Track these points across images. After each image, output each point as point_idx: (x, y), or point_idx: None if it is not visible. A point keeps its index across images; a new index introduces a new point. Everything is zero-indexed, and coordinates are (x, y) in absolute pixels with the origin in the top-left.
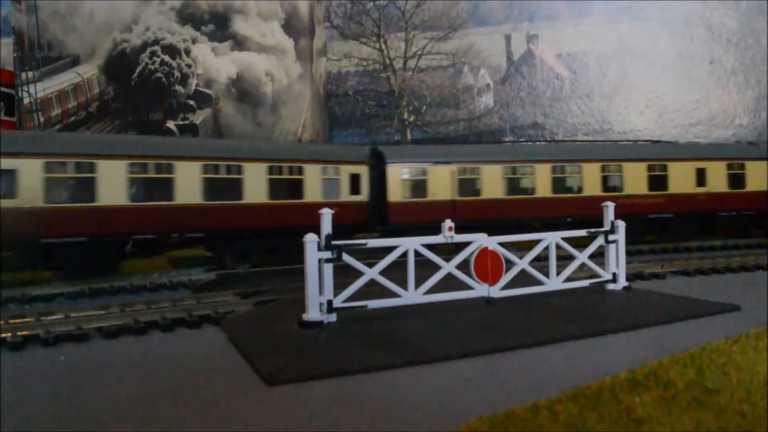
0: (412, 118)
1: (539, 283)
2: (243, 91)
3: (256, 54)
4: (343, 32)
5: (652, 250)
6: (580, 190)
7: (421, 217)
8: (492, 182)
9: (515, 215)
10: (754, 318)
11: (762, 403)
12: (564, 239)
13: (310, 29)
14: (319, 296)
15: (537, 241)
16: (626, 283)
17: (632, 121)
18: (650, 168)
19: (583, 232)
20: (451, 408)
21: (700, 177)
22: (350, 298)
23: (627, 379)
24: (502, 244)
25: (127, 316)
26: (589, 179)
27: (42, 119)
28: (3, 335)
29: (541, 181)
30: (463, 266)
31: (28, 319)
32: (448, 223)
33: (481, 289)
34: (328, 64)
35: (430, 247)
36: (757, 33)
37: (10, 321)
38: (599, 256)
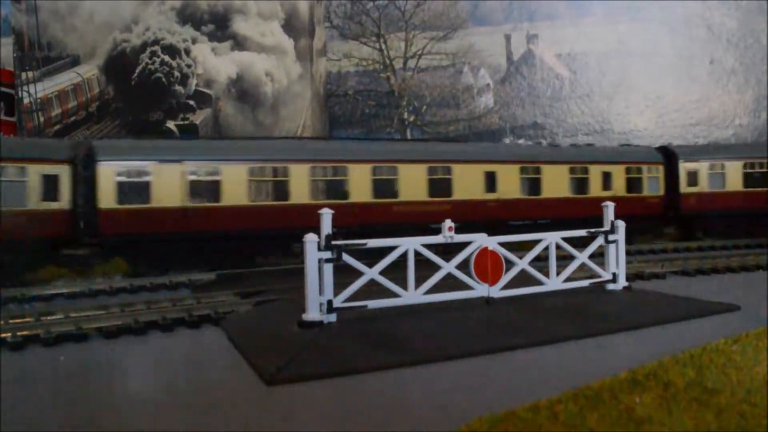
0: (412, 118)
1: (539, 283)
2: (243, 91)
3: (256, 54)
4: (343, 32)
5: (652, 250)
6: (346, 195)
7: (142, 227)
8: (236, 186)
9: (268, 224)
10: (754, 318)
11: (762, 403)
12: (564, 239)
13: (310, 29)
14: (319, 296)
15: (537, 241)
16: (626, 283)
17: (632, 121)
18: (431, 171)
19: (583, 232)
20: (451, 408)
21: (490, 181)
22: (350, 298)
23: (627, 379)
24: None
25: (127, 316)
26: (359, 183)
27: (42, 119)
28: (3, 335)
29: (297, 183)
30: (463, 266)
31: (28, 319)
32: (448, 223)
33: (481, 289)
34: (328, 64)
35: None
36: (757, 33)
37: (10, 321)
38: (599, 256)
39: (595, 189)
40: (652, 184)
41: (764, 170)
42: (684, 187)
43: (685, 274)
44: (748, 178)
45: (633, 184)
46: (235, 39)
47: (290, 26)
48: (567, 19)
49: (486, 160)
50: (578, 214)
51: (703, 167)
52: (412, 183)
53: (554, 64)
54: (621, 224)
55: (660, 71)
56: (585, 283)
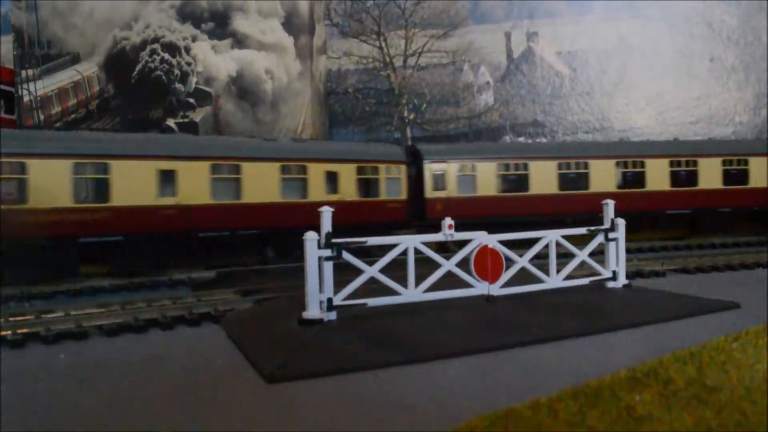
0: (412, 116)
1: (539, 280)
2: (243, 88)
3: (256, 52)
4: (343, 30)
5: (652, 248)
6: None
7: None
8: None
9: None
10: (754, 315)
11: (762, 401)
12: (564, 237)
13: (310, 27)
14: (319, 294)
15: (537, 239)
16: (626, 281)
17: (632, 118)
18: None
19: (583, 230)
20: (451, 405)
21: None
22: (350, 296)
23: (627, 377)
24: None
25: (127, 313)
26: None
27: (42, 117)
28: (3, 333)
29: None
30: (463, 264)
31: (28, 317)
32: (448, 221)
33: (481, 287)
34: (328, 61)
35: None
36: (757, 30)
37: (11, 319)
38: (599, 254)
39: (315, 193)
40: (392, 186)
41: (521, 172)
42: (429, 191)
43: (685, 272)
44: (504, 181)
45: (367, 186)
46: (235, 37)
47: (290, 24)
48: (567, 16)
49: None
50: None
51: (451, 169)
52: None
53: (554, 62)
54: (621, 222)
55: (660, 69)
56: (585, 280)
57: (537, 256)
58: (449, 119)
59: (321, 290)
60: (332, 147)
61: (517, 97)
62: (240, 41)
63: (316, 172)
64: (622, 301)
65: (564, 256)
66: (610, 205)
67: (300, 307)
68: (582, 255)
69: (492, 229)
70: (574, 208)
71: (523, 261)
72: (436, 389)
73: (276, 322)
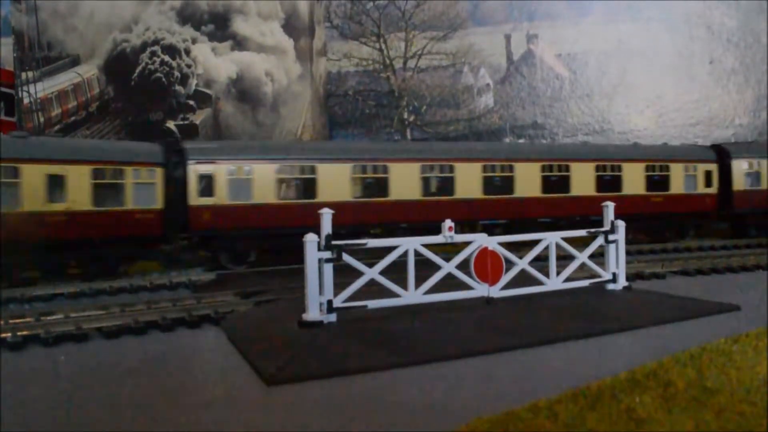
0: (412, 118)
1: (539, 283)
2: (243, 91)
3: (256, 54)
4: (343, 32)
5: (652, 250)
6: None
7: None
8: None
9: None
10: (753, 318)
11: (762, 403)
12: (564, 239)
13: (310, 29)
14: (319, 296)
15: (537, 241)
16: (626, 283)
17: (632, 120)
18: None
19: (583, 232)
20: (451, 408)
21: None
22: (350, 298)
23: (627, 379)
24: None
25: (127, 316)
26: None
27: (42, 119)
28: (3, 335)
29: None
30: (463, 266)
31: (28, 319)
32: (448, 223)
33: (481, 289)
34: (328, 64)
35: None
36: (757, 32)
37: (11, 321)
38: (599, 256)
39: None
40: (143, 193)
41: (307, 176)
42: (194, 198)
43: (685, 274)
44: (288, 187)
45: (108, 192)
46: (235, 39)
47: (290, 26)
48: (567, 18)
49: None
50: None
51: (221, 171)
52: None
53: (554, 64)
54: (621, 224)
55: (660, 71)
56: (585, 283)
57: (537, 258)
58: (449, 121)
59: (321, 292)
60: (59, 144)
61: (517, 99)
62: (240, 43)
63: (32, 174)
64: (622, 304)
65: (564, 259)
66: (609, 207)
67: (300, 310)
68: (582, 257)
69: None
70: (375, 219)
71: (523, 263)
72: (435, 391)
73: (276, 324)
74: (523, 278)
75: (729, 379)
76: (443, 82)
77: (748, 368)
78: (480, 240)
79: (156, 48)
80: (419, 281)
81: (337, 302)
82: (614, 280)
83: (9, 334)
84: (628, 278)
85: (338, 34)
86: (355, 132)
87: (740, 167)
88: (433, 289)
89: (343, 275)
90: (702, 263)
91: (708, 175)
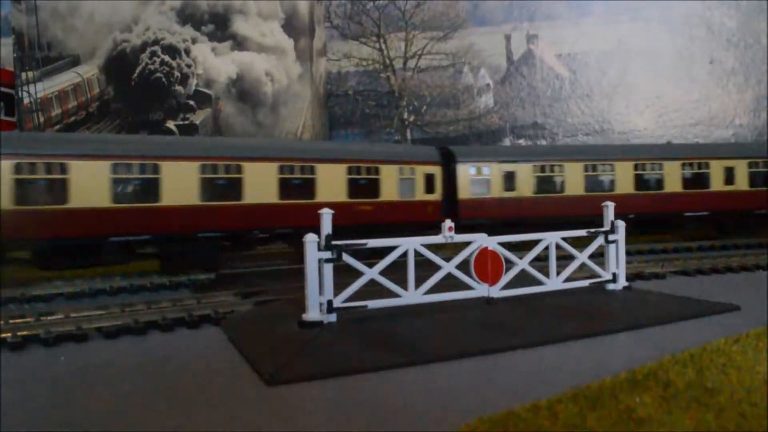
0: (412, 118)
1: (539, 283)
2: (243, 91)
3: (256, 54)
4: (343, 32)
5: (652, 250)
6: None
7: None
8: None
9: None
10: (754, 318)
11: (762, 403)
12: (564, 239)
13: (310, 29)
14: (319, 296)
15: (537, 241)
16: (626, 283)
17: (632, 120)
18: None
19: (583, 232)
20: (451, 408)
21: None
22: (350, 298)
23: (627, 379)
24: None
25: (127, 316)
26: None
27: (42, 119)
28: (3, 335)
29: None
30: (463, 266)
31: (28, 319)
32: (448, 223)
33: (481, 289)
34: (328, 64)
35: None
36: (757, 33)
37: (11, 321)
38: (599, 256)
39: None
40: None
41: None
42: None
43: (685, 274)
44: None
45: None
46: (235, 39)
47: (290, 26)
48: (567, 19)
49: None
50: None
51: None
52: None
53: (554, 64)
54: (621, 224)
55: (660, 71)
56: (585, 282)
57: (537, 258)
58: (449, 121)
59: (321, 292)
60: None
61: (517, 100)
62: (240, 43)
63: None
64: (622, 303)
65: (564, 258)
66: (610, 207)
67: (300, 310)
68: (582, 257)
69: None
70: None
71: (523, 263)
72: (435, 391)
73: (276, 324)
74: (523, 278)
75: (729, 379)
76: (443, 82)
77: (748, 368)
78: (480, 240)
79: (156, 48)
80: (419, 281)
81: (337, 302)
82: (614, 280)
83: (9, 334)
84: (628, 278)
85: (338, 34)
86: (355, 132)
87: (467, 172)
88: (433, 289)
89: (343, 275)
90: (702, 263)
91: (430, 179)
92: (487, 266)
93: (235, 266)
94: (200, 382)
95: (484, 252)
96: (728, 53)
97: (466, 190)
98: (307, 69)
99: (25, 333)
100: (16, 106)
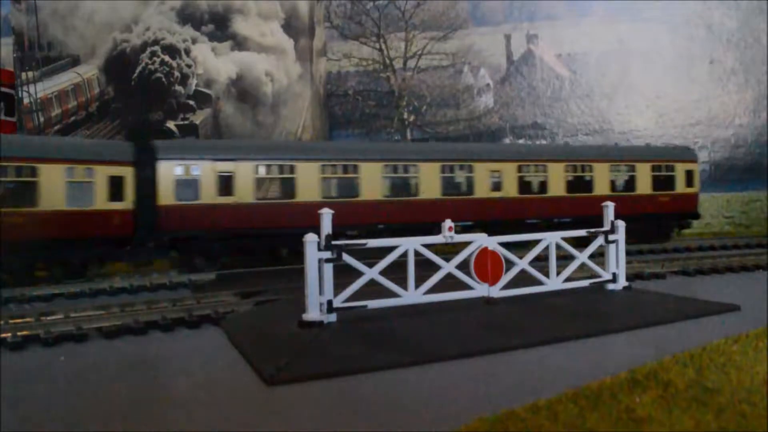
0: (412, 118)
1: (539, 283)
2: (243, 91)
3: (256, 54)
4: (343, 32)
5: (652, 250)
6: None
7: None
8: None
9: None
10: (753, 318)
11: (762, 403)
12: (564, 239)
13: (310, 29)
14: (319, 296)
15: (537, 241)
16: (626, 283)
17: (632, 120)
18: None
19: (583, 232)
20: (451, 408)
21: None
22: (350, 298)
23: (627, 379)
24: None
25: (127, 315)
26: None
27: (42, 119)
28: (3, 335)
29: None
30: (463, 266)
31: (28, 319)
32: (449, 223)
33: (481, 289)
34: (328, 64)
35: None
36: (757, 33)
37: (11, 321)
38: (599, 256)
39: None
40: None
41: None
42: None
43: (685, 274)
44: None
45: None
46: (235, 39)
47: (290, 26)
48: (567, 19)
49: None
50: None
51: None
52: None
53: (554, 64)
54: (621, 224)
55: (660, 71)
56: (585, 283)
57: (537, 258)
58: (449, 121)
59: (321, 292)
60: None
61: (517, 100)
62: (240, 43)
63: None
64: (622, 304)
65: (564, 258)
66: (609, 207)
67: (300, 310)
68: (582, 257)
69: None
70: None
71: (523, 263)
72: (435, 392)
73: (276, 324)
74: (523, 278)
75: (729, 379)
76: (443, 82)
77: (748, 368)
78: (480, 240)
79: (156, 48)
80: (419, 281)
81: (337, 302)
82: (614, 280)
83: (9, 334)
84: (628, 278)
85: (338, 34)
86: (355, 132)
87: (171, 172)
88: (433, 289)
89: (344, 275)
90: (702, 263)
91: (114, 182)
92: (487, 266)
93: None
94: (200, 382)
95: (484, 252)
96: (728, 53)
97: (169, 195)
98: (307, 69)
99: (25, 333)
100: (16, 106)
